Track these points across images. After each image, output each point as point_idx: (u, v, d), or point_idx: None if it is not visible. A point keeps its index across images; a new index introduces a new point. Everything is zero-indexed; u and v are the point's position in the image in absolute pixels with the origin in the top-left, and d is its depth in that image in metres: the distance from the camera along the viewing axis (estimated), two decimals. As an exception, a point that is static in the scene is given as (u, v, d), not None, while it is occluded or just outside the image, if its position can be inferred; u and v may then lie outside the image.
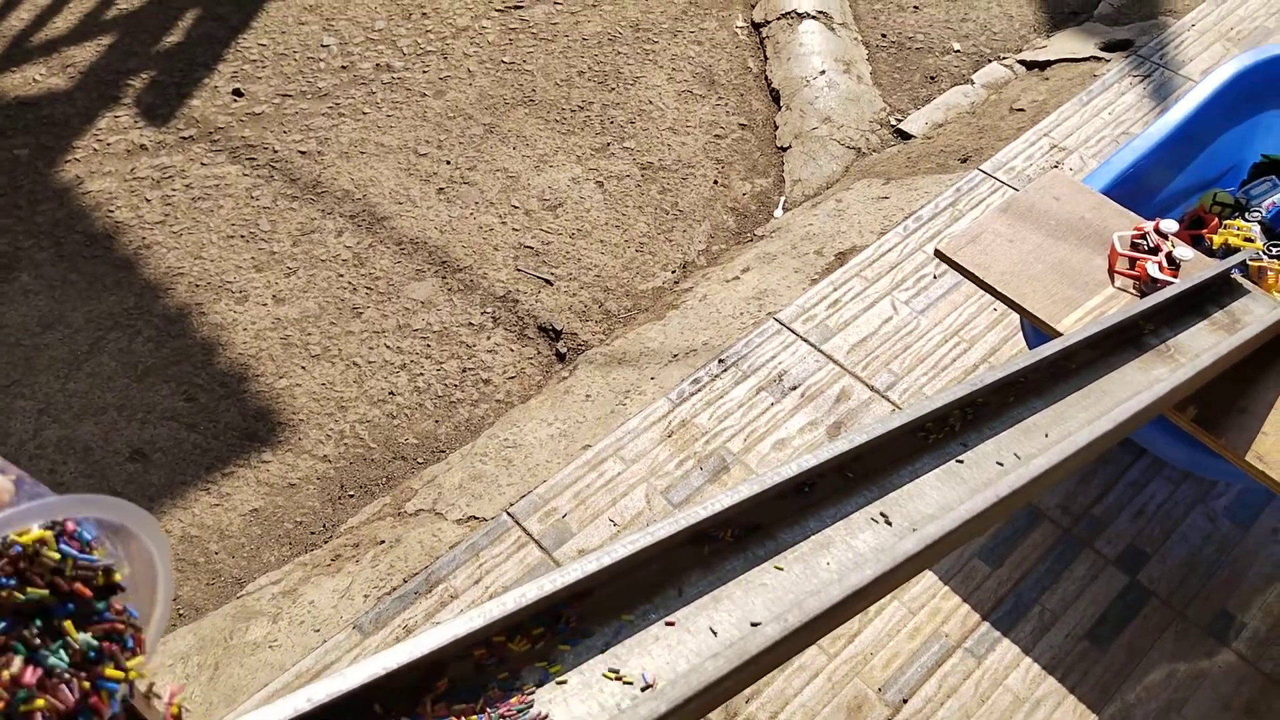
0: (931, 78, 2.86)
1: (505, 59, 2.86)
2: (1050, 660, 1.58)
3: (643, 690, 0.67)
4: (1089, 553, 1.70)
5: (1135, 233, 1.72)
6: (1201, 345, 1.45)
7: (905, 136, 2.65)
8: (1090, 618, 1.63)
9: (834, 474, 0.98)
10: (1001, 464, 1.05)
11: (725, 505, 0.83)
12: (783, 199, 2.51)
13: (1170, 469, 1.82)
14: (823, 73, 2.77)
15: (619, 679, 0.68)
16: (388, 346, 2.13)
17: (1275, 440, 1.48)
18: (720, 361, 1.99)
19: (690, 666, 0.70)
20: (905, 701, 1.53)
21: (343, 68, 2.81)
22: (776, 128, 2.70)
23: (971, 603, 1.64)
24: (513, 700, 0.64)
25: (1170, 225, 1.70)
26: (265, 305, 2.20)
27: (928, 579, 1.66)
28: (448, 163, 2.54)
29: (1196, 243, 2.08)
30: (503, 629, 0.68)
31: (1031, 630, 1.61)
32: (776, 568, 0.85)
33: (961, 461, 1.06)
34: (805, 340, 2.02)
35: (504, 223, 2.40)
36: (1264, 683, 1.56)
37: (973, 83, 2.80)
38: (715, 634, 0.75)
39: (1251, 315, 1.59)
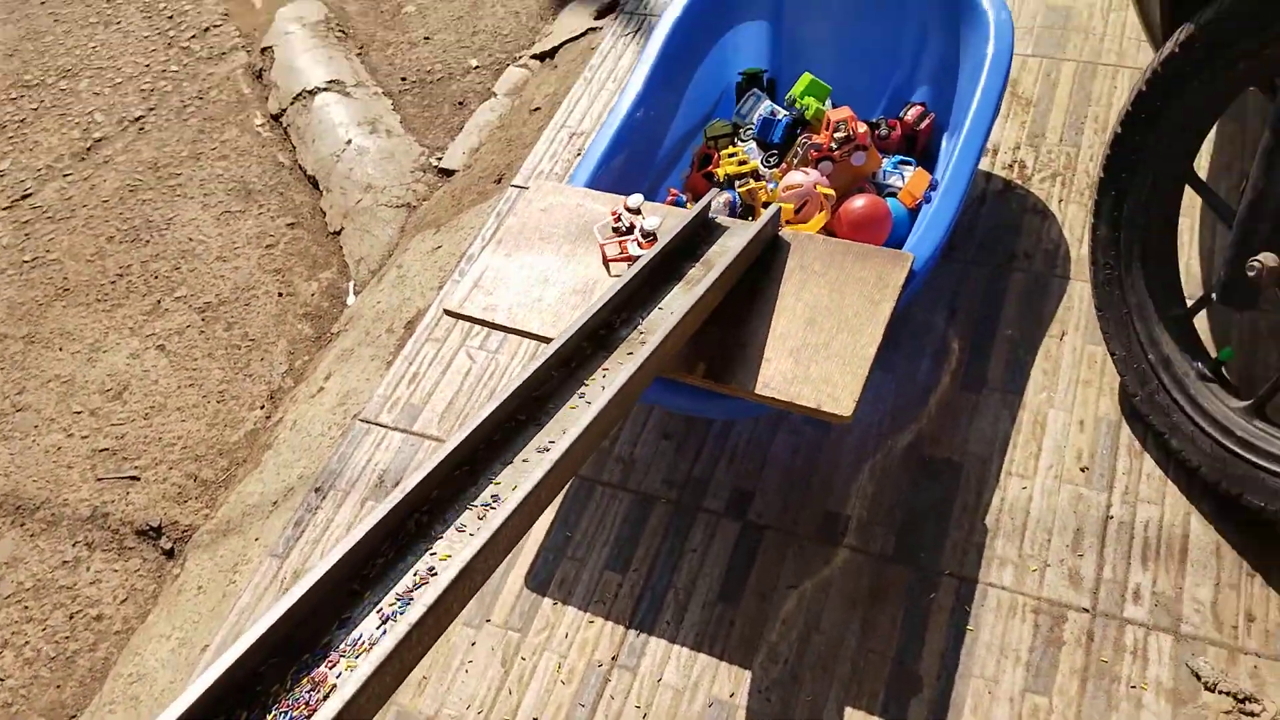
0: (460, 103, 2.87)
1: (26, 257, 2.64)
2: (695, 638, 1.63)
3: None
4: (701, 515, 1.77)
5: (613, 218, 1.77)
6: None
7: (449, 174, 2.64)
8: (718, 579, 1.69)
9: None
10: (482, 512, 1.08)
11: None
12: (351, 284, 2.46)
13: (748, 402, 1.90)
14: (349, 142, 2.71)
15: None
16: (-22, 630, 1.93)
17: (779, 363, 1.55)
18: (317, 491, 1.92)
19: None
20: (577, 749, 1.54)
21: None
22: (325, 214, 2.63)
23: (614, 618, 1.67)
24: None
25: (635, 200, 1.76)
26: None
27: (569, 615, 1.68)
28: (-10, 397, 2.32)
29: (709, 179, 2.17)
30: None
31: (672, 617, 1.66)
32: None
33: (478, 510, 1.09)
34: (395, 429, 1.98)
35: (71, 435, 2.22)
36: (876, 563, 1.67)
37: (496, 94, 2.83)
38: None
39: (724, 254, 1.66)
